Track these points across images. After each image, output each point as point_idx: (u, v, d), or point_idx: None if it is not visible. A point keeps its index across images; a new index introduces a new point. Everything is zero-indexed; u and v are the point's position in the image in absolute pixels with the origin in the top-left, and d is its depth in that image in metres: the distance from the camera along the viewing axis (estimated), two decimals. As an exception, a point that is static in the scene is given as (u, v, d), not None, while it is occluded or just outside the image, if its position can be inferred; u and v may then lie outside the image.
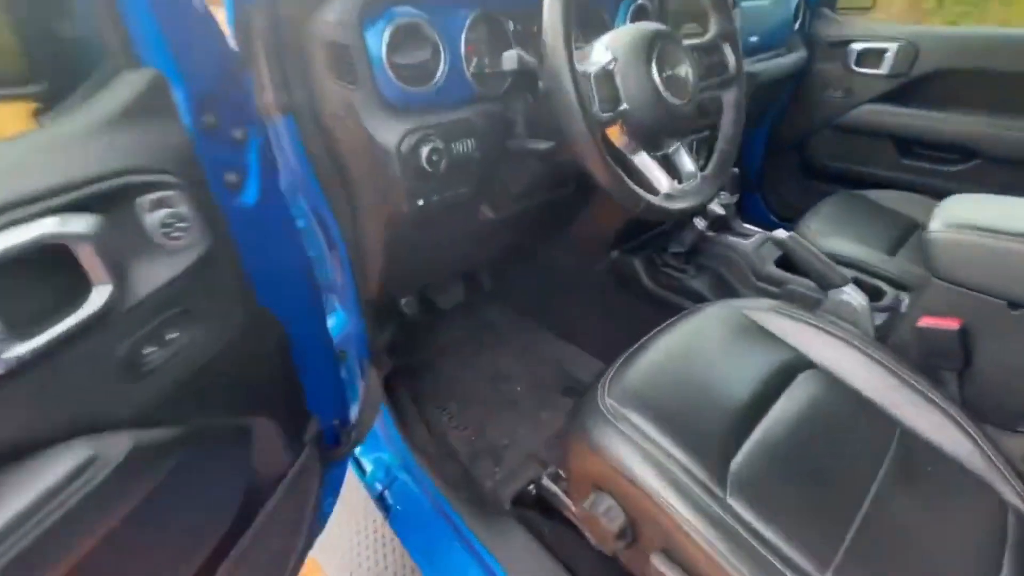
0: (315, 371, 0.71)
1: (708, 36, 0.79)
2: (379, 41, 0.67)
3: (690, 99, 0.71)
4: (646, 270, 1.24)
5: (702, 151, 0.87)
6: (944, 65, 1.39)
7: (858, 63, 1.51)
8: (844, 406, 0.75)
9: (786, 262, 1.11)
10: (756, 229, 1.19)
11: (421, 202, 0.74)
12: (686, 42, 0.75)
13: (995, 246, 0.78)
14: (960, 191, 1.43)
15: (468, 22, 0.75)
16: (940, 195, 1.38)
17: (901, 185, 1.46)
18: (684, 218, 0.85)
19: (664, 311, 1.25)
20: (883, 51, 1.46)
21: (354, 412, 0.88)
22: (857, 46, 1.50)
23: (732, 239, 1.17)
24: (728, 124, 0.81)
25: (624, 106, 0.67)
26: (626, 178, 0.65)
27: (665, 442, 0.65)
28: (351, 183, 0.76)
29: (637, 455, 0.64)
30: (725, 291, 1.17)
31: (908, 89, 1.46)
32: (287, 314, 0.60)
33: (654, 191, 0.72)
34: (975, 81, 1.36)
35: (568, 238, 1.28)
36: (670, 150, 0.76)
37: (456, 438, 1.19)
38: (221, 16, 0.62)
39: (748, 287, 1.14)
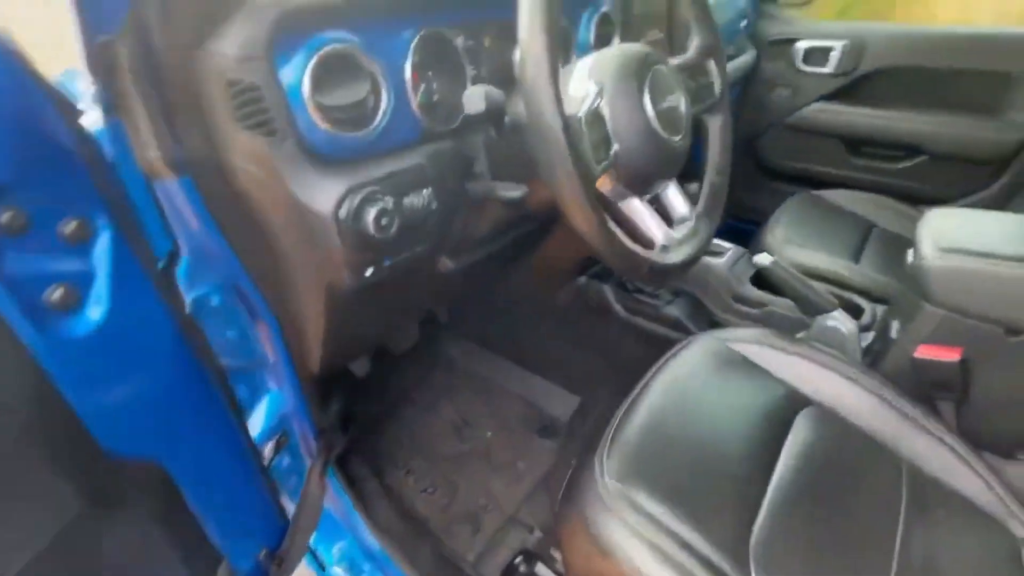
0: (227, 501, 0.55)
1: (691, 52, 0.69)
2: (299, 78, 0.51)
3: (684, 133, 0.61)
4: (616, 297, 1.15)
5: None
6: (889, 63, 1.39)
7: (805, 61, 1.49)
8: (848, 446, 0.73)
9: (762, 280, 1.06)
10: (728, 245, 1.13)
11: (370, 271, 0.59)
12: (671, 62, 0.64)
13: (992, 271, 0.74)
14: (907, 188, 1.46)
15: (413, 44, 0.60)
16: (890, 193, 1.40)
17: (853, 183, 1.46)
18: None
19: (637, 338, 1.18)
20: (829, 49, 1.44)
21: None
22: (803, 44, 1.48)
23: (705, 259, 1.10)
24: (716, 152, 0.72)
25: (615, 148, 0.55)
26: (626, 240, 0.54)
27: (680, 527, 0.60)
28: (277, 254, 0.59)
29: (652, 555, 0.58)
30: (701, 316, 1.11)
31: (855, 87, 1.46)
32: (172, 449, 0.45)
33: (647, 243, 0.61)
34: (919, 79, 1.37)
35: (530, 265, 1.16)
36: (660, 191, 0.66)
37: (424, 504, 1.05)
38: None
39: (726, 310, 1.08)
